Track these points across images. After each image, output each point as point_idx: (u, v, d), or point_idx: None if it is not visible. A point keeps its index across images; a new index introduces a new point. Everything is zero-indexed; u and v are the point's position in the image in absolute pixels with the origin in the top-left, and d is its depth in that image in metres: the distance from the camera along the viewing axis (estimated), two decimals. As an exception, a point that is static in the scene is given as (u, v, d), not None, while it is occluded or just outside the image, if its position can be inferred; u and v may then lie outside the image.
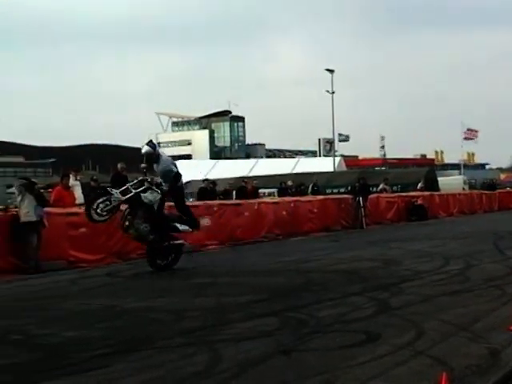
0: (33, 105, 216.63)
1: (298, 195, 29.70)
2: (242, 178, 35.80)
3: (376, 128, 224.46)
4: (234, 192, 30.11)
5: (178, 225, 14.02)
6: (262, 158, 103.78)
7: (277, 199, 27.76)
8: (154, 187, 13.66)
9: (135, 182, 13.95)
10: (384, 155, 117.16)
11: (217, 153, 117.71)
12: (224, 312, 8.94)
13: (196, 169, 63.30)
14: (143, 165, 14.13)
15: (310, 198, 28.13)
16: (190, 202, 25.78)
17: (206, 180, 27.57)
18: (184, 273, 13.90)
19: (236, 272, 13.77)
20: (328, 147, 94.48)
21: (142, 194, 13.54)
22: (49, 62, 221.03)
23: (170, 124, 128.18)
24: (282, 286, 11.43)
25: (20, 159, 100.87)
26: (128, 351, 6.75)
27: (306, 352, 6.66)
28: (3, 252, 14.57)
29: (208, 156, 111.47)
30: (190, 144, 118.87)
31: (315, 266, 14.14)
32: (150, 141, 14.58)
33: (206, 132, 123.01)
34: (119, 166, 21.20)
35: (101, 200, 13.25)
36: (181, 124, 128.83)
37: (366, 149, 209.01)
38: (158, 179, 13.84)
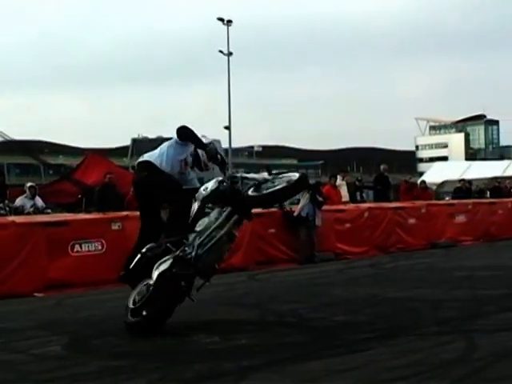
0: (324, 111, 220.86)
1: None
2: (496, 179, 34.25)
3: None
4: (488, 192, 28.95)
5: None
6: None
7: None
8: None
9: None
10: None
11: (472, 155, 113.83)
12: (479, 304, 8.60)
13: (452, 169, 61.36)
14: None
15: None
16: (446, 200, 25.20)
17: (462, 180, 26.87)
18: (440, 267, 13.64)
19: (491, 267, 13.15)
20: None
21: None
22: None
23: (427, 128, 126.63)
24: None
25: (293, 161, 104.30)
26: (389, 336, 6.72)
27: None
28: (279, 243, 14.99)
29: (463, 157, 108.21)
30: (446, 147, 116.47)
31: None
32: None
33: (462, 135, 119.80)
34: (382, 167, 21.50)
35: None
36: (438, 128, 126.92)
37: None
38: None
